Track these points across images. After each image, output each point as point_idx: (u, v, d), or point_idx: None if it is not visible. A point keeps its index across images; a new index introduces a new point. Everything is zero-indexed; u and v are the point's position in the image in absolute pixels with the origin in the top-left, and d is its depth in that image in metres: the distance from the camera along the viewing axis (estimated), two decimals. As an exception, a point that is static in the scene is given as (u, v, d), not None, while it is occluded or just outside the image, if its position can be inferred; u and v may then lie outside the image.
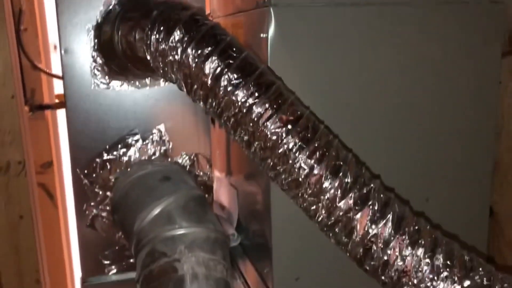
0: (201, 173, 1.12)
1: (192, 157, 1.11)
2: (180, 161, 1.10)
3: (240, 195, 1.23)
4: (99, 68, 1.00)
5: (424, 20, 1.05)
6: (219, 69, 0.77)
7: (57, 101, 1.67)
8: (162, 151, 1.07)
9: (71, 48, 1.02)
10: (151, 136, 1.07)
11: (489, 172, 1.18)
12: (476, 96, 1.13)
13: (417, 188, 1.12)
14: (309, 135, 0.76)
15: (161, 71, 0.82)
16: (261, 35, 1.01)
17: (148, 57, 0.82)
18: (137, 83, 1.04)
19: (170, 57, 0.79)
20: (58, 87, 1.71)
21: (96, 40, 1.00)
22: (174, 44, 0.78)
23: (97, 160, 1.04)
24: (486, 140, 1.16)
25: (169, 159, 1.09)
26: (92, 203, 1.06)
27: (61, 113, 1.71)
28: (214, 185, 1.28)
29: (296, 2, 0.98)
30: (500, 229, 1.28)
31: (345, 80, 1.03)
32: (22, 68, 1.46)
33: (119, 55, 0.91)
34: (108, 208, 1.07)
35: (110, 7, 0.96)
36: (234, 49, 0.79)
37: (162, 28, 0.79)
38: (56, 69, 1.69)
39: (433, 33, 1.06)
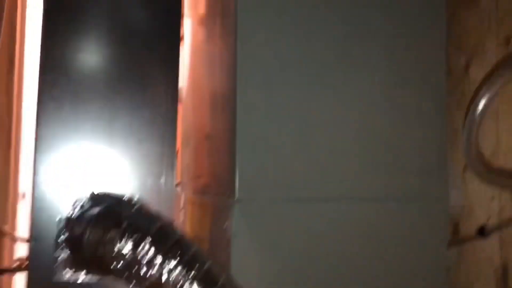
0: None
1: None
2: None
3: None
4: (65, 259, 1.01)
5: (379, 215, 1.13)
6: (182, 280, 0.81)
7: (17, 263, 1.62)
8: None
9: (40, 236, 1.05)
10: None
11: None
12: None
13: None
14: None
15: (125, 279, 0.85)
16: (225, 223, 1.06)
17: (114, 264, 0.85)
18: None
19: (136, 267, 0.83)
20: (20, 249, 1.67)
21: (66, 233, 1.03)
22: (141, 255, 0.82)
23: None
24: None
25: None
26: None
27: (19, 277, 1.65)
28: None
29: (259, 197, 1.05)
30: None
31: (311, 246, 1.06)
32: (-14, 233, 1.44)
33: (86, 256, 0.93)
34: None
35: (82, 203, 1.02)
36: (198, 259, 0.83)
37: (130, 239, 0.84)
38: (22, 225, 1.67)
39: (387, 224, 1.14)
